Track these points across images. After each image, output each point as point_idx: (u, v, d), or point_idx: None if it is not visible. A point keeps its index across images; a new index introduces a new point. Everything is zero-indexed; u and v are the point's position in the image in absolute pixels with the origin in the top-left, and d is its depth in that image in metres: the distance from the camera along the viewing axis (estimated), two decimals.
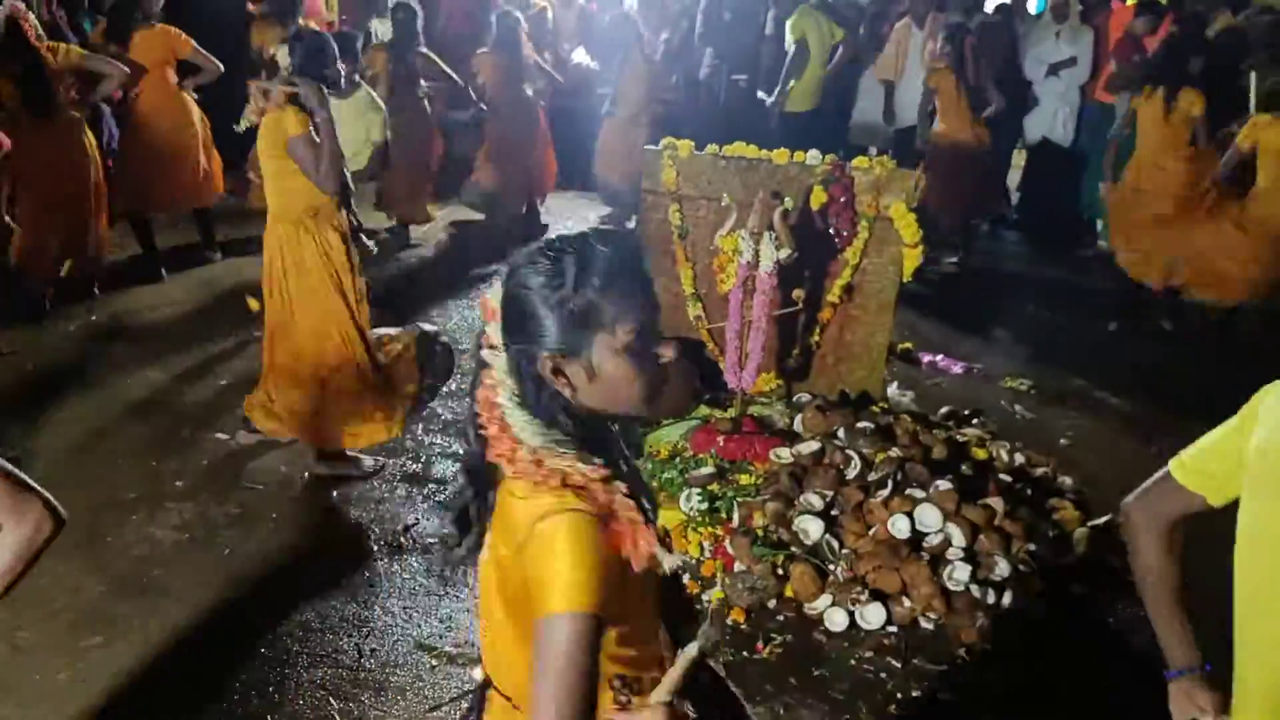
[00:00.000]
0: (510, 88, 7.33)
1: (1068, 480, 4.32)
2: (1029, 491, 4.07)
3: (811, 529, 3.64)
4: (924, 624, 3.46)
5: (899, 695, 3.18)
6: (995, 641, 3.38)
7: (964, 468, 4.03)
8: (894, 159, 4.85)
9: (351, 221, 4.13)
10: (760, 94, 8.07)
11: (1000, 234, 8.59)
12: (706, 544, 3.73)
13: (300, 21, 7.56)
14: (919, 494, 3.71)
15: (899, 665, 3.29)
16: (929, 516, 3.62)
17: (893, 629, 3.43)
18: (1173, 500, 1.72)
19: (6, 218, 5.47)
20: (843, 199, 4.42)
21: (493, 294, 1.47)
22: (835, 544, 3.63)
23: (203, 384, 4.98)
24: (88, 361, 5.16)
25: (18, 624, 3.25)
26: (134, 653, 3.18)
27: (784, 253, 4.09)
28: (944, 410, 4.91)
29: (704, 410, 4.45)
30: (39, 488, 1.65)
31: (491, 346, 1.45)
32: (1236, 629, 1.62)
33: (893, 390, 4.99)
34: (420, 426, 4.69)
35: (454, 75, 7.21)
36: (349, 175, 4.13)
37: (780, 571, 3.56)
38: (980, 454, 4.22)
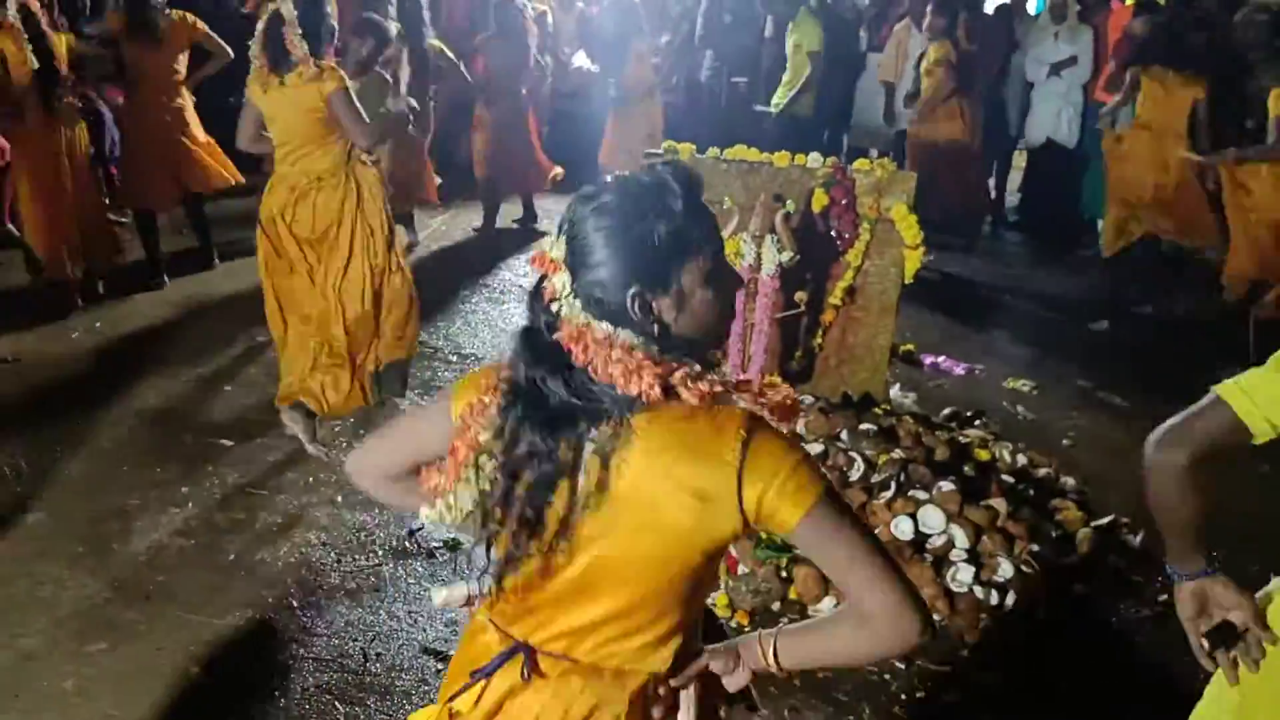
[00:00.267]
0: (510, 78, 7.35)
1: (1070, 481, 4.33)
2: (1031, 492, 4.08)
3: None
4: None
5: (903, 696, 3.19)
6: (998, 642, 3.38)
7: (967, 469, 4.03)
8: (895, 161, 4.86)
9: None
10: (759, 106, 8.10)
11: (1001, 235, 8.61)
12: None
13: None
14: (922, 495, 3.72)
15: (903, 666, 3.30)
16: (932, 518, 3.63)
17: None
18: (1218, 427, 1.64)
19: (9, 225, 5.50)
20: (844, 201, 4.43)
21: (552, 245, 1.41)
22: None
23: (206, 389, 4.99)
24: (90, 368, 5.18)
25: (23, 630, 3.27)
26: (139, 659, 3.19)
27: (786, 255, 4.10)
28: (946, 411, 4.91)
29: None
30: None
31: (554, 300, 1.39)
32: None
33: (895, 392, 4.99)
34: None
35: (462, 66, 7.24)
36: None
37: (784, 574, 3.56)
38: (983, 455, 4.23)
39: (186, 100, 6.21)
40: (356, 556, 3.75)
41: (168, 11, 6.00)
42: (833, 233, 4.47)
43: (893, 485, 3.75)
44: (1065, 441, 4.87)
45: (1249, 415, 1.61)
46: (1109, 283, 6.58)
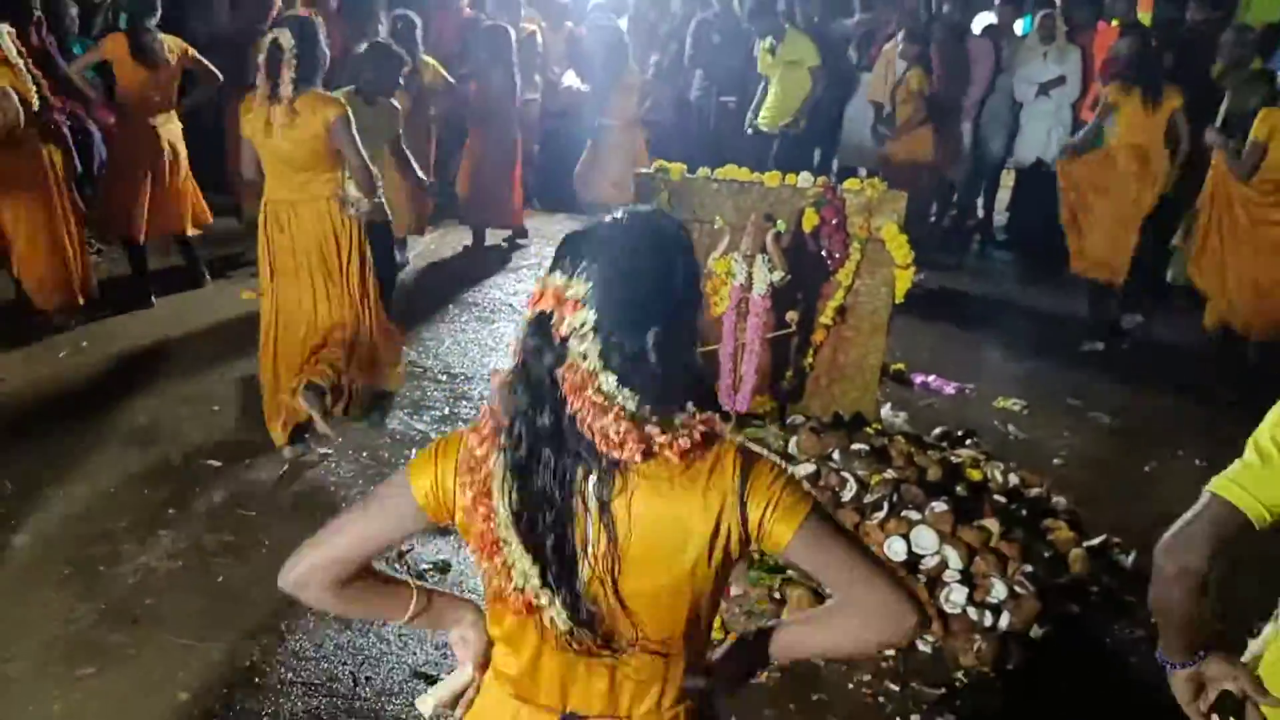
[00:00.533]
0: (500, 105, 7.37)
1: (1062, 500, 4.33)
2: (1024, 512, 4.08)
3: None
4: (921, 647, 3.45)
5: (897, 718, 3.17)
6: (993, 664, 3.37)
7: (959, 489, 4.03)
8: (885, 180, 4.88)
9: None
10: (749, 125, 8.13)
11: (990, 254, 8.64)
12: None
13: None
14: (914, 516, 3.71)
15: (897, 689, 3.28)
16: (925, 538, 3.62)
17: (890, 652, 3.42)
18: (1224, 525, 1.69)
19: None
20: (834, 221, 4.45)
21: (568, 281, 1.38)
22: None
23: (194, 410, 4.96)
24: (77, 389, 5.14)
25: (10, 654, 3.23)
26: (128, 682, 3.15)
27: (777, 275, 4.10)
28: (937, 431, 4.91)
29: None
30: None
31: (564, 339, 1.37)
32: None
33: (886, 411, 4.99)
34: (413, 451, 4.67)
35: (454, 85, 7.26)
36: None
37: (777, 595, 3.55)
38: (975, 475, 4.22)
39: (177, 126, 6.21)
40: None
41: (160, 36, 6.00)
42: (823, 252, 4.48)
43: (885, 506, 3.75)
44: (1056, 461, 4.88)
45: (1251, 508, 1.67)
46: (1098, 301, 6.61)
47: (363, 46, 5.67)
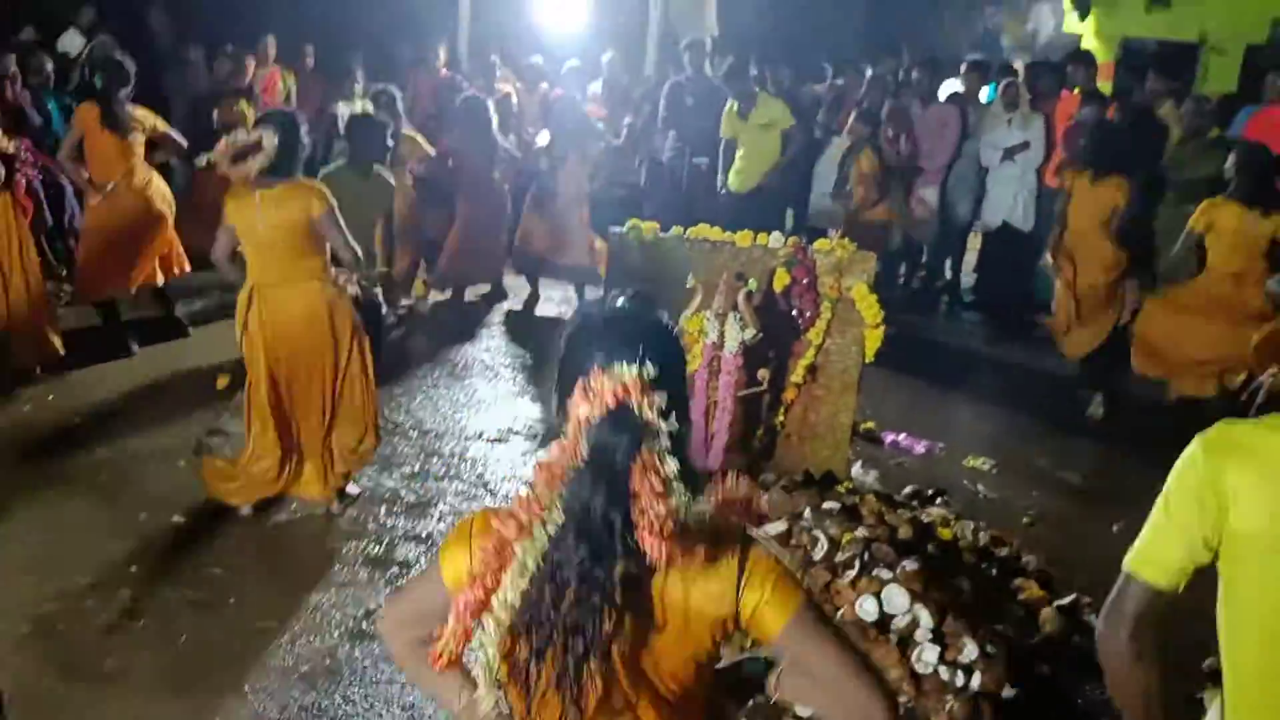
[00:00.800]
0: (481, 170, 7.44)
1: (1032, 560, 4.34)
2: (994, 571, 4.09)
3: None
4: None
5: None
6: None
7: (929, 548, 4.03)
8: (854, 241, 4.95)
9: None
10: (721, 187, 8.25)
11: (958, 314, 8.74)
12: None
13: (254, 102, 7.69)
14: (886, 575, 3.71)
15: None
16: (896, 598, 3.61)
17: None
18: (1140, 601, 1.70)
19: None
20: (805, 281, 4.50)
21: (639, 371, 1.46)
22: None
23: (161, 464, 4.90)
24: (41, 442, 5.07)
25: None
26: None
27: (748, 334, 4.13)
28: (908, 490, 4.93)
29: None
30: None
31: (646, 424, 1.44)
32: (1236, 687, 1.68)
33: (857, 470, 5.01)
34: (383, 509, 4.64)
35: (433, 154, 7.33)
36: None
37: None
38: (945, 534, 4.24)
39: (159, 184, 6.23)
40: (311, 638, 3.67)
41: (129, 106, 6.05)
42: (794, 311, 4.53)
43: (857, 565, 3.74)
44: (1026, 520, 4.90)
45: (1158, 577, 1.69)
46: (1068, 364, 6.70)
47: (342, 114, 5.75)
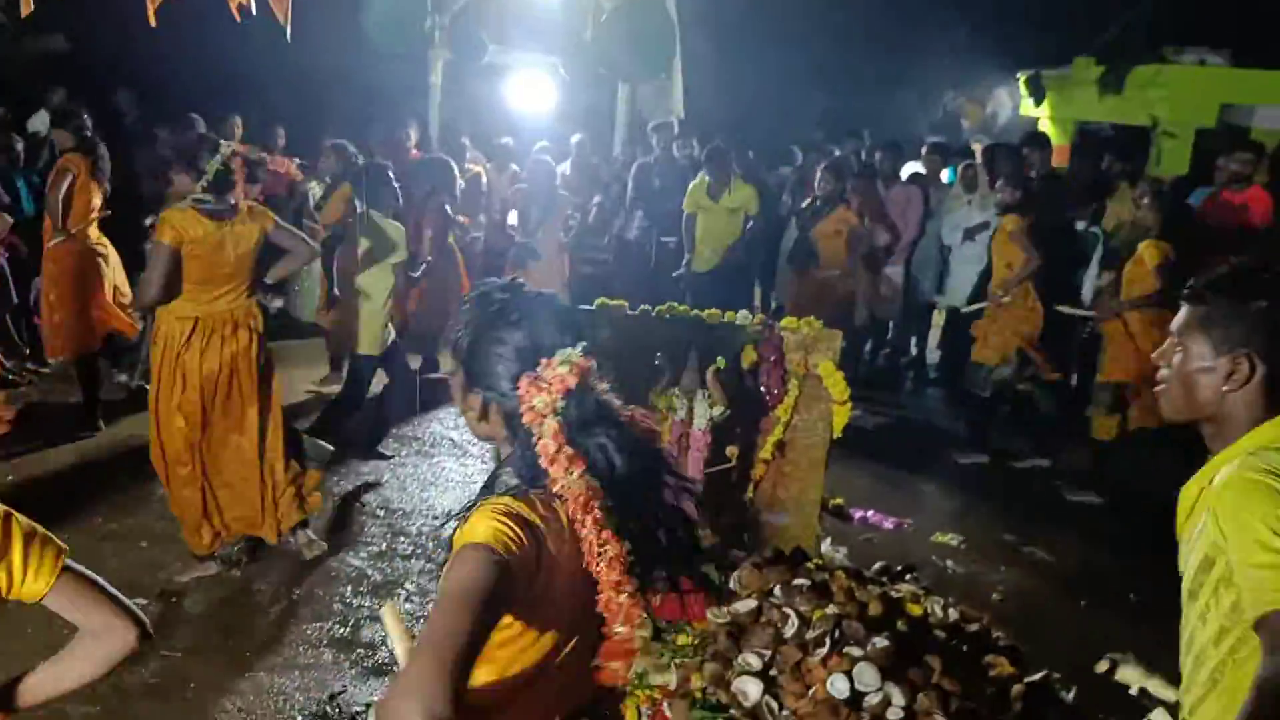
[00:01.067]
0: (440, 230, 7.49)
1: (1002, 636, 4.33)
2: (965, 648, 4.06)
3: (750, 690, 3.56)
4: None
5: None
6: None
7: (900, 624, 4.01)
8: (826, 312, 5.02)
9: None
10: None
11: (923, 391, 8.83)
12: (644, 708, 3.63)
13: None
14: (856, 652, 3.68)
15: None
16: (867, 675, 3.57)
17: None
18: None
19: None
20: (773, 357, 4.54)
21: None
22: (775, 705, 3.55)
23: (121, 544, 4.82)
24: None
25: None
26: None
27: (717, 410, 4.15)
28: (877, 566, 4.88)
29: None
30: (130, 604, 1.92)
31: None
32: None
33: (826, 546, 4.99)
34: (349, 588, 4.58)
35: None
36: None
37: None
38: (915, 610, 4.21)
39: (102, 239, 6.28)
40: None
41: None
42: (762, 388, 4.56)
43: (828, 641, 3.72)
44: (995, 596, 4.91)
45: None
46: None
47: (314, 193, 5.87)
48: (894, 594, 4.32)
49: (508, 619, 1.56)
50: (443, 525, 5.08)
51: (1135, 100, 10.06)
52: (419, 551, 5.02)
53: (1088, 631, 4.41)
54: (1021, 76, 11.37)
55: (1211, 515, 1.80)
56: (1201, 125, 9.71)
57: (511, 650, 1.63)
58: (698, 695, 3.57)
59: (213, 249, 4.26)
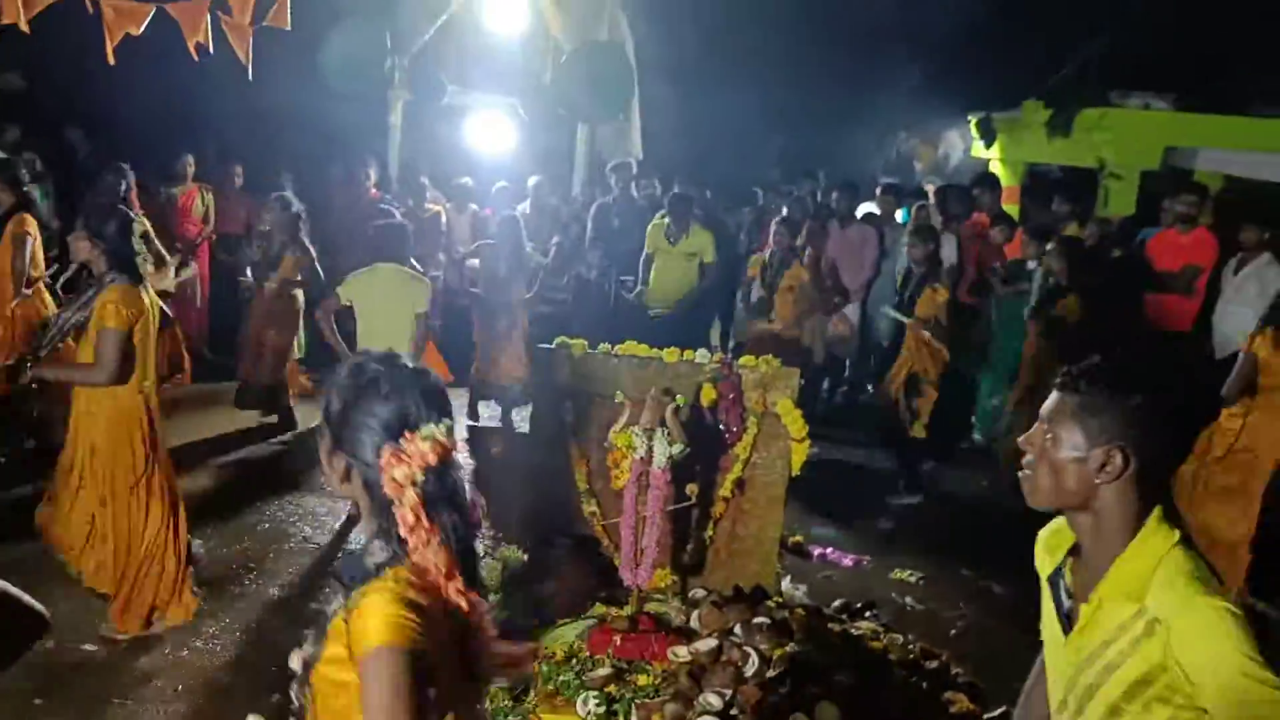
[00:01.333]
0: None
1: (961, 672, 4.36)
2: (925, 685, 4.09)
3: None
4: None
5: None
6: None
7: (861, 661, 4.03)
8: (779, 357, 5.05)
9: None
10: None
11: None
12: None
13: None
14: (817, 690, 3.69)
15: None
16: (828, 714, 3.59)
17: None
18: None
19: None
20: (731, 396, 4.57)
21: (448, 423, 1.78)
22: None
23: (71, 592, 4.71)
24: None
25: None
26: None
27: (677, 449, 4.16)
28: (837, 603, 4.94)
29: (600, 609, 4.39)
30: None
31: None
32: None
33: (786, 584, 5.01)
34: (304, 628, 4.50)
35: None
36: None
37: None
38: (876, 646, 4.24)
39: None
40: None
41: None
42: (721, 426, 4.58)
43: (788, 681, 3.73)
44: (954, 632, 4.93)
45: None
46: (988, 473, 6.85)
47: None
48: (854, 630, 4.37)
49: None
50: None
51: (1083, 143, 10.29)
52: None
53: None
54: (973, 119, 11.60)
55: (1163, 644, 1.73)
56: (1146, 167, 9.95)
57: None
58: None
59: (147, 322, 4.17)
